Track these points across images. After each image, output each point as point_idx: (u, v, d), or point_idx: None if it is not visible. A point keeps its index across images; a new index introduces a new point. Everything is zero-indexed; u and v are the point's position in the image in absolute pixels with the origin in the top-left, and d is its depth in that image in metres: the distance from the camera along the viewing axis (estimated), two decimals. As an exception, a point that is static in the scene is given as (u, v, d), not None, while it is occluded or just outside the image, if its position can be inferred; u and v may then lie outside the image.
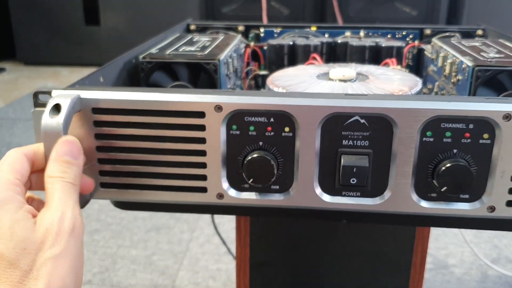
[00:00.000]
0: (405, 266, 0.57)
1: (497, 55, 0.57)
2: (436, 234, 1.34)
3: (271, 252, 0.60)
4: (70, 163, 0.37)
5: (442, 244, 1.30)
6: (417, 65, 0.76)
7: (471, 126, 0.39)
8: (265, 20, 1.82)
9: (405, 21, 1.84)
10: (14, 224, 0.33)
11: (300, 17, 1.85)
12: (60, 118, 0.36)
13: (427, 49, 0.71)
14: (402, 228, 0.56)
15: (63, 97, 0.37)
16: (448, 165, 0.39)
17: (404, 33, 0.77)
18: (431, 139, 0.39)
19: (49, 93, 0.39)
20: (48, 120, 0.36)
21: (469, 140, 0.39)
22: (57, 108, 0.37)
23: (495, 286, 1.14)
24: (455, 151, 0.39)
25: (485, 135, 0.39)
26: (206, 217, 1.43)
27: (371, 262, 0.58)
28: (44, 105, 0.38)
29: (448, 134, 0.39)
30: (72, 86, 0.42)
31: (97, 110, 0.40)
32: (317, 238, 0.58)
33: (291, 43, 0.73)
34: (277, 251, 0.60)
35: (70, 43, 3.13)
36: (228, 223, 1.32)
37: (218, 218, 1.32)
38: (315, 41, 0.73)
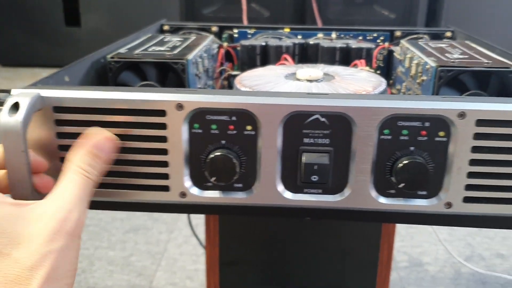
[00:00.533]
0: (372, 263, 0.58)
1: (461, 56, 0.58)
2: (412, 233, 1.36)
3: (241, 251, 0.60)
4: (101, 159, 0.37)
5: (416, 242, 1.32)
6: (388, 66, 0.77)
7: (427, 124, 0.39)
8: (245, 22, 1.82)
9: (383, 23, 1.86)
10: None
11: (280, 19, 1.86)
12: (19, 116, 0.36)
13: (396, 50, 0.72)
14: (369, 226, 0.57)
15: (23, 96, 0.37)
16: (406, 162, 0.40)
17: (375, 35, 0.78)
18: (389, 137, 0.40)
19: (8, 91, 0.39)
20: (6, 118, 0.36)
21: (425, 138, 0.40)
22: (16, 106, 0.37)
23: (468, 283, 1.16)
24: (412, 148, 0.40)
25: (441, 133, 0.40)
26: (184, 218, 1.43)
27: (339, 260, 0.59)
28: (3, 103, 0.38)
29: (405, 132, 0.40)
30: (34, 85, 0.42)
31: (58, 109, 0.40)
32: (286, 237, 0.58)
33: (263, 44, 0.73)
34: (247, 250, 0.60)
35: (50, 44, 3.11)
36: (206, 224, 1.32)
37: (197, 219, 1.32)
38: (287, 42, 0.74)
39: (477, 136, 0.39)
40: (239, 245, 0.60)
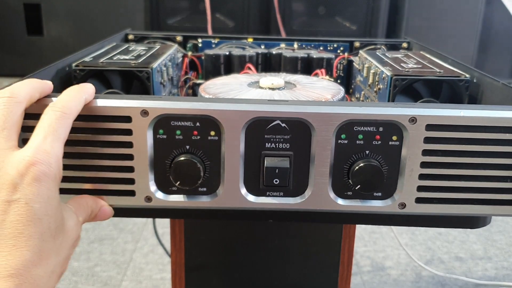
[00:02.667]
0: (334, 264, 0.60)
1: (415, 66, 0.61)
2: (375, 238, 1.39)
3: (206, 256, 0.61)
4: (93, 219, 0.42)
5: (379, 247, 1.35)
6: (348, 76, 0.80)
7: (381, 129, 0.42)
8: (210, 32, 1.84)
9: (345, 34, 1.90)
10: None
11: (245, 29, 1.88)
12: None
13: (355, 60, 0.75)
14: (330, 228, 0.59)
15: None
16: (361, 165, 0.42)
17: (335, 45, 0.81)
18: (346, 141, 0.42)
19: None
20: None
21: (379, 142, 0.42)
22: (-19, 113, 0.37)
23: (428, 285, 1.20)
24: (367, 152, 0.42)
25: (394, 137, 0.42)
26: (150, 227, 1.42)
27: (302, 261, 0.61)
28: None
29: (360, 136, 0.42)
30: None
31: (26, 116, 0.40)
32: (250, 240, 0.60)
33: (227, 53, 0.75)
34: (212, 254, 0.61)
35: (12, 54, 3.04)
36: (172, 233, 1.32)
37: (163, 228, 1.32)
38: (250, 51, 0.76)
39: (427, 140, 0.41)
40: (204, 250, 0.61)
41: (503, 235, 1.45)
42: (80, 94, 0.39)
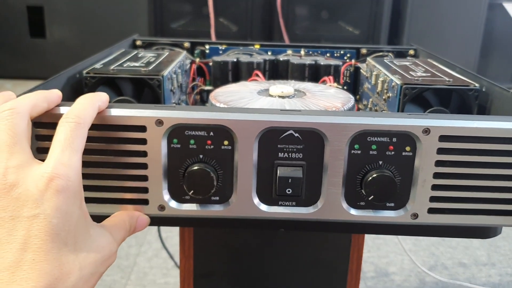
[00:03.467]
0: (342, 273, 0.60)
1: (424, 74, 0.61)
2: (378, 244, 1.39)
3: (215, 263, 0.61)
4: (132, 232, 0.42)
5: (383, 253, 1.35)
6: (355, 82, 0.81)
7: (394, 139, 0.42)
8: (213, 36, 1.85)
9: (348, 39, 1.91)
10: None
11: (248, 34, 1.89)
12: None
13: (363, 67, 0.75)
14: (339, 236, 0.59)
15: (4, 112, 0.38)
16: (375, 175, 0.42)
17: (342, 52, 0.81)
18: (359, 152, 0.42)
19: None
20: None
21: (393, 153, 0.42)
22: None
23: (432, 292, 1.20)
24: (380, 162, 0.42)
25: (407, 148, 0.42)
26: (154, 231, 1.42)
27: (311, 270, 0.61)
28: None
29: (374, 147, 0.42)
30: (14, 101, 0.42)
31: (38, 125, 0.41)
32: (259, 248, 0.60)
33: (235, 60, 0.75)
34: (221, 261, 0.61)
35: (14, 56, 3.05)
36: (176, 237, 1.32)
37: (166, 232, 1.32)
38: (258, 58, 0.76)
39: (440, 151, 0.42)
40: (213, 257, 0.61)
41: (507, 241, 1.46)
42: (93, 102, 0.39)
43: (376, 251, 1.37)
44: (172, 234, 1.34)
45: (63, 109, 0.40)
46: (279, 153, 0.42)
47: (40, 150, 0.41)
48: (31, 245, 0.32)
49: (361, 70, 0.76)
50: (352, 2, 1.90)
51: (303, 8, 1.92)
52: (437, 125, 0.41)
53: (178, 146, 0.42)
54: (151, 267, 1.30)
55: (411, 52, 0.82)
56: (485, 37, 2.80)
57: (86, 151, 0.40)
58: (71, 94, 0.56)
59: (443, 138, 0.41)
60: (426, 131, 0.41)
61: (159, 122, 0.41)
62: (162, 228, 1.10)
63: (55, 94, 0.41)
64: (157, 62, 0.63)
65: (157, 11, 1.87)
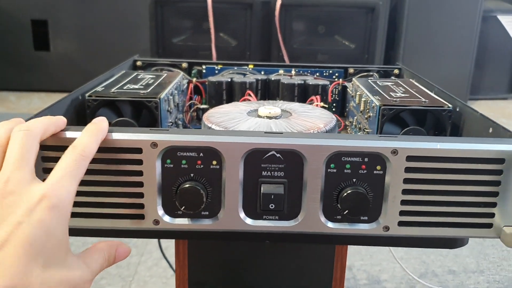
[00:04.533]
0: (327, 281, 0.64)
1: (403, 95, 0.66)
2: (371, 252, 1.43)
3: (209, 272, 0.66)
4: (112, 263, 0.45)
5: (376, 261, 1.39)
6: (343, 100, 0.85)
7: (366, 159, 0.46)
8: (213, 51, 1.90)
9: (344, 53, 1.96)
10: None
11: (247, 48, 1.94)
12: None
13: (349, 86, 0.80)
14: (323, 246, 0.63)
15: (15, 137, 0.43)
16: (349, 192, 0.46)
17: (330, 71, 0.86)
18: (335, 170, 0.47)
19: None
20: None
21: (365, 171, 0.47)
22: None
23: (422, 299, 1.24)
24: (354, 180, 0.47)
25: (378, 167, 0.47)
26: (154, 241, 1.46)
27: (297, 279, 0.65)
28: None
29: (348, 166, 0.47)
30: (22, 125, 0.47)
31: (43, 147, 0.45)
32: (249, 258, 0.64)
33: (229, 80, 0.80)
34: (214, 270, 0.66)
35: (18, 69, 3.11)
36: (175, 247, 1.36)
37: (167, 242, 1.36)
38: (251, 78, 0.81)
39: (408, 170, 0.46)
40: (207, 266, 0.65)
41: (496, 249, 1.49)
42: (98, 136, 0.43)
43: (369, 259, 1.41)
44: (171, 244, 1.37)
45: (68, 134, 0.45)
46: (263, 172, 0.47)
47: (45, 170, 0.46)
48: (6, 248, 0.35)
49: (348, 89, 0.81)
50: (348, 17, 1.96)
51: (301, 23, 1.98)
52: (404, 146, 0.46)
53: (171, 166, 0.46)
54: (151, 275, 1.34)
55: (396, 71, 0.87)
56: (479, 49, 2.85)
57: (88, 171, 0.45)
58: (74, 115, 0.61)
59: (410, 158, 0.46)
60: (394, 152, 0.46)
61: (154, 145, 0.45)
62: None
63: (61, 121, 0.45)
64: (155, 84, 0.68)
65: (159, 27, 1.92)
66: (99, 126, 0.44)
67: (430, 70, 2.80)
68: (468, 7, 2.76)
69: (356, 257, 1.42)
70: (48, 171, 0.45)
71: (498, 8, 3.04)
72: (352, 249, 1.44)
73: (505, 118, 2.79)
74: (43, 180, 0.39)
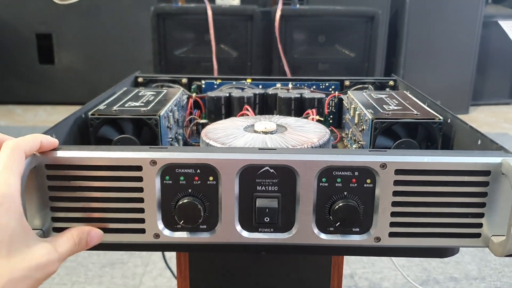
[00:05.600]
0: (325, 290, 0.66)
1: (396, 108, 0.68)
2: (373, 260, 1.44)
3: (209, 283, 0.68)
4: (86, 246, 0.48)
5: (377, 268, 1.41)
6: (339, 111, 0.87)
7: (356, 173, 0.48)
8: (214, 62, 1.93)
9: (344, 61, 1.98)
10: None
11: (248, 59, 1.97)
12: (18, 175, 0.44)
13: (345, 99, 0.82)
14: (320, 256, 0.65)
15: (21, 157, 0.45)
16: (340, 204, 0.48)
17: (326, 84, 0.88)
18: (326, 184, 0.49)
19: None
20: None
21: (356, 185, 0.49)
22: (15, 166, 0.44)
23: (424, 306, 1.25)
24: (345, 193, 0.49)
25: (368, 180, 0.49)
26: (159, 252, 1.48)
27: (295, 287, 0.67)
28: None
29: (339, 180, 0.48)
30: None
31: (49, 166, 0.47)
32: (248, 269, 0.66)
33: (227, 95, 0.82)
34: (214, 281, 0.68)
35: (24, 82, 3.15)
36: (180, 257, 1.38)
37: (171, 252, 1.39)
38: (249, 93, 0.83)
39: (397, 183, 0.48)
40: (207, 277, 0.67)
41: (499, 255, 1.50)
42: (36, 136, 0.46)
43: (371, 267, 1.42)
44: (175, 254, 1.40)
45: (73, 153, 0.47)
46: (257, 187, 0.49)
47: (50, 188, 0.48)
48: None
49: (343, 102, 0.83)
50: (348, 26, 1.98)
51: (301, 33, 2.00)
52: (392, 160, 0.48)
53: (170, 182, 0.48)
54: (156, 286, 1.36)
55: (391, 83, 0.89)
56: (481, 54, 2.87)
57: (90, 188, 0.48)
58: (78, 134, 0.63)
59: (398, 172, 0.48)
60: (383, 166, 0.48)
61: (153, 162, 0.48)
62: (166, 248, 1.16)
63: (50, 142, 0.48)
64: (155, 101, 0.70)
65: (161, 39, 1.95)
66: (41, 135, 0.47)
67: (432, 77, 2.82)
68: (469, 13, 2.78)
69: (358, 265, 1.43)
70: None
71: (499, 13, 3.06)
72: (353, 257, 1.45)
73: (507, 123, 2.80)
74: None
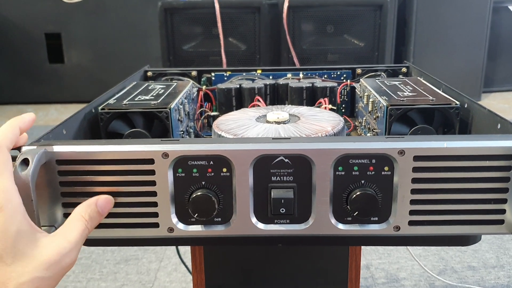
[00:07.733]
0: (343, 281, 0.65)
1: (410, 94, 0.66)
2: (389, 250, 1.43)
3: (225, 276, 0.67)
4: (100, 215, 0.45)
5: (394, 259, 1.39)
6: (352, 100, 0.86)
7: (373, 161, 0.47)
8: (223, 56, 1.91)
9: (353, 51, 1.96)
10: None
11: (257, 51, 1.95)
12: (28, 171, 0.43)
13: (357, 87, 0.80)
14: (337, 247, 0.64)
15: (31, 153, 0.44)
16: (358, 193, 0.47)
17: (338, 73, 0.87)
18: (343, 173, 0.47)
19: (18, 149, 0.46)
20: (18, 173, 0.43)
21: (373, 173, 0.47)
22: (25, 162, 0.44)
23: (441, 296, 1.23)
24: (363, 181, 0.47)
25: (386, 168, 0.47)
26: (173, 247, 1.48)
27: (313, 279, 0.66)
28: (14, 159, 0.45)
29: (356, 168, 0.47)
30: (38, 141, 0.49)
31: (60, 162, 0.47)
32: (264, 261, 0.65)
33: (238, 86, 0.81)
34: (230, 274, 0.67)
35: (34, 82, 3.17)
36: (194, 252, 1.38)
37: (185, 247, 1.38)
38: (259, 83, 0.82)
39: (416, 170, 0.47)
40: (222, 271, 0.66)
41: (517, 243, 1.48)
42: (13, 127, 0.45)
43: (387, 257, 1.40)
44: (189, 248, 1.39)
45: (83, 148, 0.46)
46: (272, 177, 0.48)
47: (62, 183, 0.47)
48: None
49: (356, 90, 0.81)
50: (356, 16, 1.95)
51: (309, 23, 1.98)
52: (410, 146, 0.46)
53: (183, 175, 0.48)
54: (171, 281, 1.36)
55: (404, 70, 0.87)
56: (491, 40, 2.83)
57: (103, 183, 0.47)
58: (88, 129, 0.63)
59: (417, 158, 0.46)
60: (401, 152, 0.46)
61: (165, 155, 0.47)
62: (180, 243, 1.16)
63: (27, 119, 0.47)
64: (165, 94, 0.69)
65: (169, 34, 1.94)
66: (17, 117, 0.46)
67: (442, 64, 2.79)
68: (478, -2, 2.74)
69: (374, 256, 1.42)
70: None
71: (509, -2, 3.01)
72: (369, 248, 1.44)
73: (521, 110, 2.76)
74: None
